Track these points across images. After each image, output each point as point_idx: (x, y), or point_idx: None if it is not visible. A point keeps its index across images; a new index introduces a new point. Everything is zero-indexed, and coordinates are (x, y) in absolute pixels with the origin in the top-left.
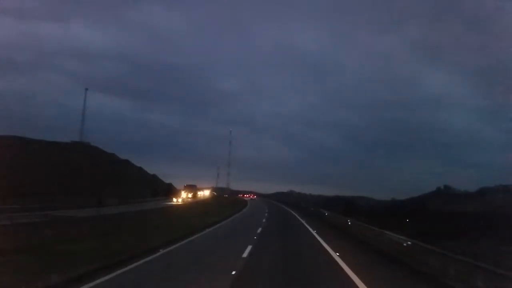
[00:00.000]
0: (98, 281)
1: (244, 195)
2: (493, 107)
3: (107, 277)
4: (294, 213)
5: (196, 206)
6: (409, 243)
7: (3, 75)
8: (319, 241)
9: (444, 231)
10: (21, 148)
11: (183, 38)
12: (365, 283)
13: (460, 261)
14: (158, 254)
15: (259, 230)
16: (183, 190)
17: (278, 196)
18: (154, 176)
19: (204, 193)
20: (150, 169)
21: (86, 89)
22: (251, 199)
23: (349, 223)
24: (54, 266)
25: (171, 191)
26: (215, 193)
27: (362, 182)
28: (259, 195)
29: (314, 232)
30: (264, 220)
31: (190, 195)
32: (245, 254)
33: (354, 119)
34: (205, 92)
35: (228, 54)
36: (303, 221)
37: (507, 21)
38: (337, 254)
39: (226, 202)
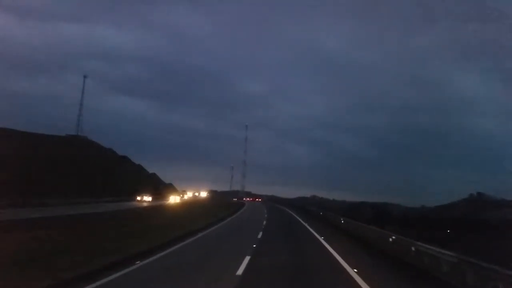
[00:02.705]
0: None
1: (245, 199)
2: None
3: None
4: None
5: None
6: None
7: (28, 75)
8: None
9: None
10: (8, 140)
11: (208, 40)
12: None
13: None
14: None
15: None
16: None
17: (301, 202)
18: (153, 174)
19: (188, 196)
20: (163, 171)
21: (85, 77)
22: (253, 203)
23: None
24: None
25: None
26: (205, 196)
27: (388, 188)
28: (278, 200)
29: None
30: None
31: None
32: None
33: (381, 122)
34: (227, 94)
35: (252, 55)
36: None
37: None
38: None
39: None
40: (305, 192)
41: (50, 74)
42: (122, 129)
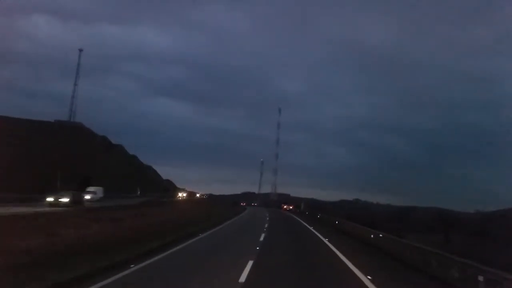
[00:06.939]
0: None
1: (243, 204)
2: None
3: None
4: None
5: None
6: None
7: (70, 79)
8: None
9: None
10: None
11: (246, 38)
12: None
13: None
14: None
15: None
16: None
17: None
18: (149, 167)
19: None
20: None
21: (81, 50)
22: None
23: None
24: None
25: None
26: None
27: (437, 192)
28: (308, 204)
29: None
30: None
31: None
32: None
33: (428, 122)
34: (266, 95)
35: (291, 53)
36: None
37: None
38: None
39: None
40: (347, 195)
41: (91, 77)
42: (146, 129)
